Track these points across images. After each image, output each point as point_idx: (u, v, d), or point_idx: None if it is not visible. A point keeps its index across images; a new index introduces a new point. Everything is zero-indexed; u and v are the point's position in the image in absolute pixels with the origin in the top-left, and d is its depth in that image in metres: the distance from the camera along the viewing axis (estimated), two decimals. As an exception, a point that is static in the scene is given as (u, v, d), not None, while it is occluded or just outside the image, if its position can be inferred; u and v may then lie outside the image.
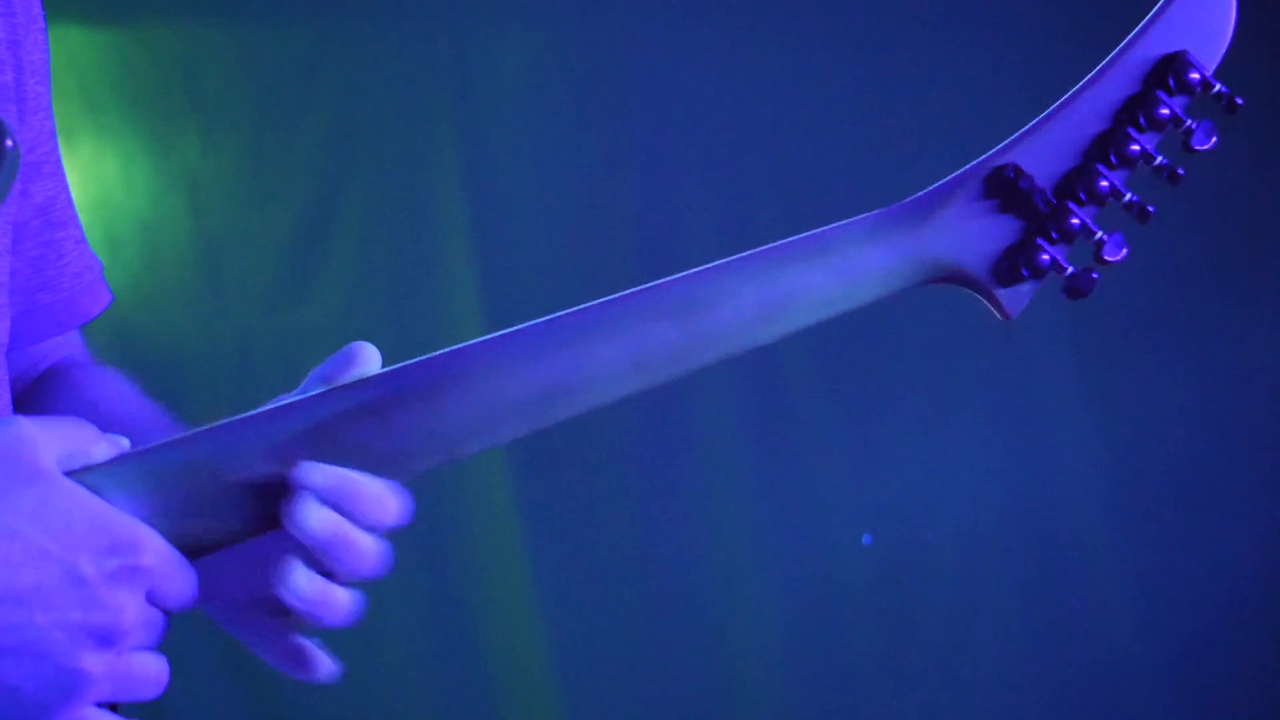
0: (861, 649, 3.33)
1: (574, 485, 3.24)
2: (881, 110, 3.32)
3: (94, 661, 0.89)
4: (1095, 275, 1.04)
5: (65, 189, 1.25)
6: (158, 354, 3.14)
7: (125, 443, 0.96)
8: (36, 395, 1.26)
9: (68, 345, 1.30)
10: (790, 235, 1.07)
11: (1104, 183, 1.04)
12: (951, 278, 1.06)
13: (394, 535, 0.99)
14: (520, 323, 1.01)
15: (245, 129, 3.18)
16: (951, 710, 3.35)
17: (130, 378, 1.29)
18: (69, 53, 3.02)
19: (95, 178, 3.09)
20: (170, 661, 0.96)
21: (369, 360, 1.00)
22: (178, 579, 0.93)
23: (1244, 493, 3.41)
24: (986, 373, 3.34)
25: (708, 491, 3.26)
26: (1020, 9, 3.35)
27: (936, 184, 1.06)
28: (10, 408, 1.15)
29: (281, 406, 0.97)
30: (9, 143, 0.94)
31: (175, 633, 0.97)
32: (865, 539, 3.33)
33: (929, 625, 3.35)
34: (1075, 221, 1.04)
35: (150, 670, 0.93)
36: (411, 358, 1.05)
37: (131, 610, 0.90)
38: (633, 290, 1.02)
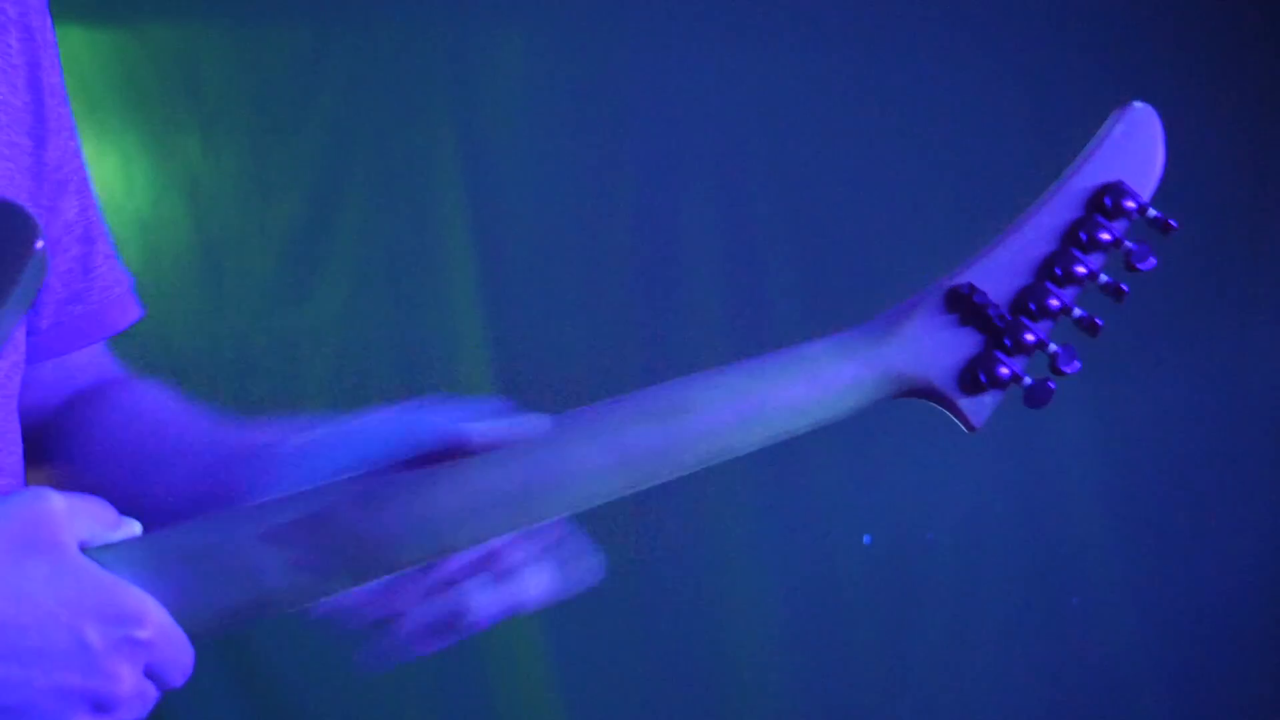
0: (861, 649, 3.33)
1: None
2: (882, 110, 3.32)
3: None
4: (1052, 385, 1.11)
5: (93, 205, 1.29)
6: (158, 354, 3.14)
7: (137, 527, 0.99)
8: (80, 417, 1.27)
9: (100, 365, 1.32)
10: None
11: (1054, 300, 1.10)
12: (918, 391, 1.14)
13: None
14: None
15: (245, 129, 3.18)
16: (951, 710, 3.35)
17: (171, 387, 1.31)
18: (69, 53, 2.99)
19: (95, 178, 3.06)
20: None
21: None
22: (176, 655, 0.96)
23: (1244, 493, 3.41)
24: (986, 373, 3.33)
25: (707, 491, 3.25)
26: (1017, 12, 3.35)
27: (899, 303, 1.12)
28: (19, 439, 1.16)
29: (285, 496, 1.02)
30: (39, 244, 0.96)
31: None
32: (865, 539, 3.33)
33: (929, 625, 3.35)
34: (1030, 336, 1.10)
35: None
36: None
37: (129, 681, 0.93)
38: (617, 397, 1.08)
